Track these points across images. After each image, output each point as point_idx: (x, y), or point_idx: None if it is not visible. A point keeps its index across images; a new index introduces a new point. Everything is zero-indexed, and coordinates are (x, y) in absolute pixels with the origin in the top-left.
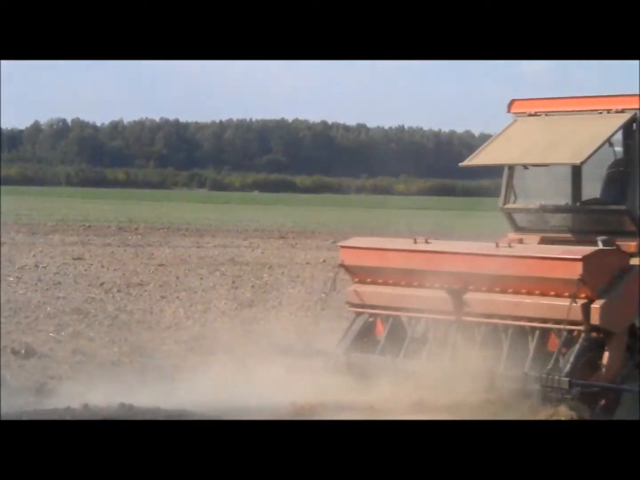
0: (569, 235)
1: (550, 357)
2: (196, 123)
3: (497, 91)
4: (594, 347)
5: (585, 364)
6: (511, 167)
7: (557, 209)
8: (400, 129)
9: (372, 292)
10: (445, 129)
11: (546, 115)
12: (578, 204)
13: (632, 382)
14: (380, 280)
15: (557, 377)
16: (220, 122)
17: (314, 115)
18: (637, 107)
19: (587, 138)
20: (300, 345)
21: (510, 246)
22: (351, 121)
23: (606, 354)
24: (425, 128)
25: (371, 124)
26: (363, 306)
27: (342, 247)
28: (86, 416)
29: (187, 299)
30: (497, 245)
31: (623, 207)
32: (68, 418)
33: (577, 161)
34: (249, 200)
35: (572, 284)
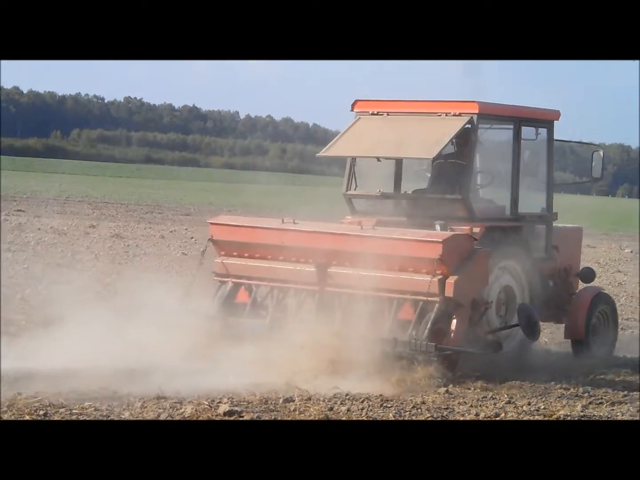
0: (404, 219)
1: (403, 324)
2: None
3: None
4: (444, 316)
5: (438, 331)
6: (353, 159)
7: (397, 196)
8: None
9: (239, 265)
10: None
11: (388, 114)
12: (412, 192)
13: (471, 346)
14: (246, 254)
15: (424, 342)
16: None
17: None
18: (475, 111)
19: (434, 136)
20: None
21: (374, 228)
22: None
23: (454, 322)
24: None
25: None
26: (228, 276)
27: (212, 223)
28: None
29: None
30: (362, 227)
31: (459, 197)
32: None
33: (430, 156)
34: None
35: (433, 262)
